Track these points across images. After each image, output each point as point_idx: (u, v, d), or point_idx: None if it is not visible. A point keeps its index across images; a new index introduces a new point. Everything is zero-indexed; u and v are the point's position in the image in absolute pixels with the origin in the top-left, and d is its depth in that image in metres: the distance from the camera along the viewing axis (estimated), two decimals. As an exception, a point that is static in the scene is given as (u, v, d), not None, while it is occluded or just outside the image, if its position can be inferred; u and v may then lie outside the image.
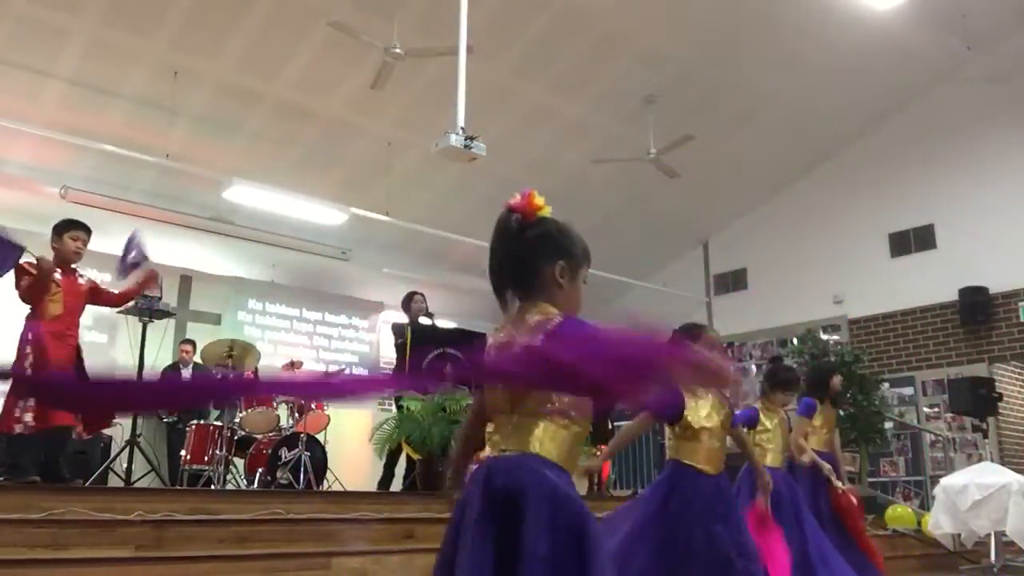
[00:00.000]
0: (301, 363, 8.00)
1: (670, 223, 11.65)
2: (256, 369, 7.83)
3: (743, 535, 3.04)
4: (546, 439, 1.70)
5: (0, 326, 5.01)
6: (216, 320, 9.86)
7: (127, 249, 5.24)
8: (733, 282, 12.26)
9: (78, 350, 4.81)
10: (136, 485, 6.39)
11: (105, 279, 8.57)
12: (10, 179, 8.20)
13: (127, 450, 6.31)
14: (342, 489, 7.17)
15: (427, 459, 6.14)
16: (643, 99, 9.27)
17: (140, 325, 6.48)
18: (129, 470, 6.29)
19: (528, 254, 1.82)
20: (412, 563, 3.79)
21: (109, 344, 8.36)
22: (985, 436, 8.75)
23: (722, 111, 9.69)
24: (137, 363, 6.45)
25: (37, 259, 4.68)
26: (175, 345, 8.47)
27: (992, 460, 7.53)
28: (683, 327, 3.26)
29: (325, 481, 7.09)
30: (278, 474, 6.63)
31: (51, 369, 4.43)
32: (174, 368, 8.17)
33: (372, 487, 6.77)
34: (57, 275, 4.75)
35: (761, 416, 4.25)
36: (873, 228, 10.64)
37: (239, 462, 7.21)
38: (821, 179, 11.26)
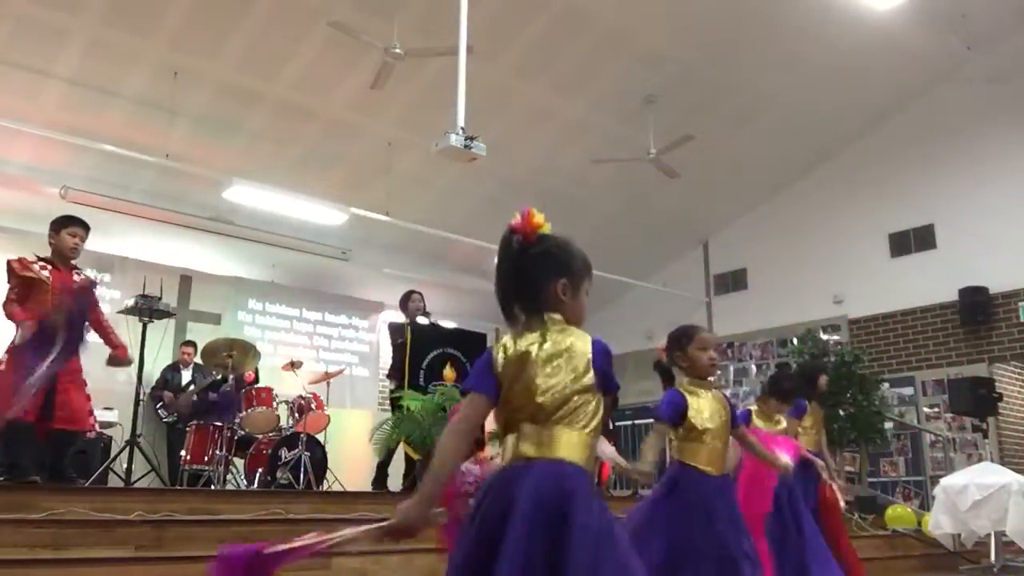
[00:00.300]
0: (301, 363, 8.00)
1: (670, 223, 11.65)
2: (256, 370, 7.85)
3: (747, 537, 3.03)
4: (576, 446, 1.79)
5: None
6: (216, 320, 9.86)
7: None
8: (733, 282, 12.26)
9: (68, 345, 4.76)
10: (136, 485, 6.38)
11: (105, 279, 8.63)
12: (10, 179, 8.20)
13: (127, 450, 6.30)
14: (342, 489, 7.17)
15: (427, 459, 6.14)
16: (643, 99, 9.27)
17: (140, 325, 6.47)
18: (129, 470, 6.28)
19: (531, 273, 1.90)
20: (412, 563, 3.79)
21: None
22: (985, 436, 8.75)
23: (722, 111, 9.69)
24: (137, 363, 6.44)
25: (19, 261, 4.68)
26: (175, 345, 8.47)
27: (992, 460, 7.53)
28: (677, 329, 3.25)
29: (325, 481, 7.09)
30: (278, 474, 6.63)
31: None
32: (174, 368, 8.17)
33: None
34: (46, 273, 4.72)
35: (754, 419, 4.23)
36: (873, 228, 10.64)
37: (239, 462, 7.21)
38: (821, 179, 11.26)
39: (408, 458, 6.53)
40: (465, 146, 5.74)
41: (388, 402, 6.98)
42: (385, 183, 9.30)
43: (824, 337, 10.40)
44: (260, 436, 7.15)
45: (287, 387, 7.79)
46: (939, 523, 6.44)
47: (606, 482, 7.67)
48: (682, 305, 12.02)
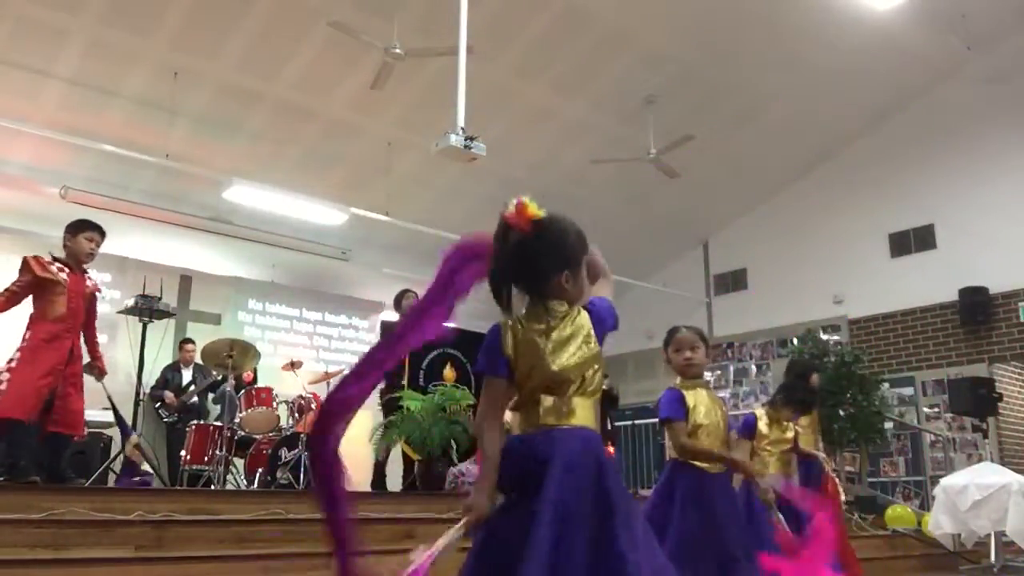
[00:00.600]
0: (301, 363, 7.99)
1: (670, 223, 11.65)
2: (255, 370, 7.84)
3: (746, 535, 3.04)
4: (590, 413, 1.93)
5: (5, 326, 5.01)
6: (216, 320, 9.85)
7: None
8: (733, 282, 12.26)
9: (71, 353, 4.77)
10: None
11: (105, 279, 8.62)
12: (10, 179, 8.21)
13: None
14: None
15: (427, 459, 6.14)
16: (643, 99, 9.27)
17: (140, 325, 6.47)
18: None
19: (532, 266, 1.94)
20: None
21: (109, 344, 8.32)
22: (985, 436, 8.75)
23: (722, 111, 9.69)
24: (137, 363, 6.45)
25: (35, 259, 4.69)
26: (175, 345, 8.46)
27: (992, 460, 7.53)
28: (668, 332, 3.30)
29: (325, 481, 7.07)
30: (278, 474, 6.62)
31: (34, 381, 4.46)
32: (174, 368, 8.16)
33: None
34: (64, 275, 4.76)
35: (761, 425, 4.19)
36: (873, 228, 10.64)
37: (239, 462, 7.20)
38: (821, 179, 11.26)
39: (407, 458, 6.53)
40: (465, 146, 5.74)
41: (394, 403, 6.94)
42: (385, 183, 9.30)
43: (824, 337, 10.39)
44: (260, 436, 7.14)
45: (287, 387, 7.79)
46: (939, 523, 6.43)
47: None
48: (682, 305, 12.02)
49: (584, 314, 1.97)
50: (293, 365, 7.78)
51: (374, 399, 10.50)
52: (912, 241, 10.36)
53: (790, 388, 4.29)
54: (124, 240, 8.95)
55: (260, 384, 7.74)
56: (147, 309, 6.43)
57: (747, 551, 2.93)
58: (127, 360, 7.61)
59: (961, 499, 6.27)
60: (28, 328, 4.65)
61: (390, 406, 6.44)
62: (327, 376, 8.04)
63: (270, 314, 10.50)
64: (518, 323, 1.95)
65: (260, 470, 6.82)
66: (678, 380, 3.23)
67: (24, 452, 4.47)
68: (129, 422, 6.37)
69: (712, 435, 3.13)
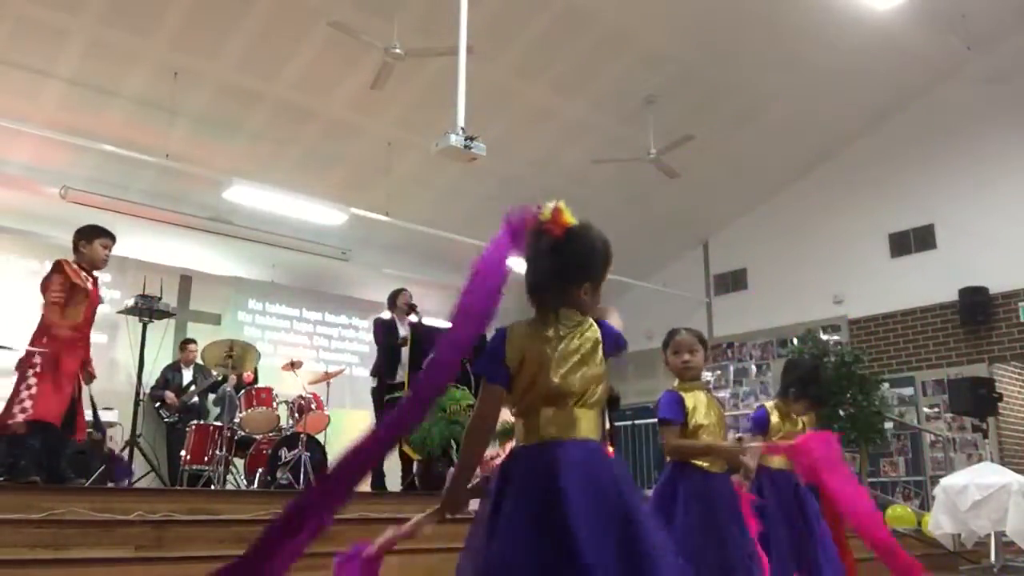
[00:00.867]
0: (301, 363, 8.00)
1: (670, 223, 11.65)
2: (255, 370, 7.84)
3: (747, 536, 3.03)
4: (593, 424, 1.92)
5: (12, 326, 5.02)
6: (216, 320, 9.85)
7: None
8: (733, 282, 12.26)
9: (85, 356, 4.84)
10: (136, 485, 6.39)
11: (105, 279, 8.61)
12: (10, 179, 8.20)
13: (127, 450, 6.31)
14: (342, 489, 7.15)
15: (427, 459, 6.15)
16: (643, 99, 9.27)
17: (140, 325, 6.47)
18: (129, 470, 6.29)
19: (560, 273, 1.95)
20: (412, 563, 3.78)
21: (109, 344, 8.35)
22: (985, 436, 8.75)
23: (722, 111, 9.69)
24: (137, 363, 6.45)
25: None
26: (175, 345, 8.46)
27: (992, 460, 7.52)
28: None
29: (325, 481, 7.07)
30: (278, 474, 6.62)
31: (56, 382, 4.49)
32: (175, 368, 8.17)
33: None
34: (88, 284, 4.78)
35: (774, 418, 4.14)
36: (873, 228, 10.64)
37: (239, 462, 7.21)
38: (821, 179, 11.26)
39: (406, 458, 6.54)
40: (465, 146, 5.74)
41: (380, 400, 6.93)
42: (385, 183, 9.30)
43: (824, 337, 10.39)
44: (260, 436, 7.15)
45: (287, 387, 7.79)
46: (939, 523, 6.43)
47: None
48: (682, 305, 12.03)
49: (595, 327, 1.96)
50: (293, 365, 7.79)
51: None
52: (912, 241, 10.36)
53: (805, 381, 4.22)
54: (124, 240, 8.87)
55: (260, 384, 7.74)
56: (147, 309, 6.43)
57: (750, 554, 2.93)
58: (127, 360, 7.62)
59: (961, 499, 6.27)
60: (43, 333, 4.64)
61: (390, 406, 6.43)
62: (327, 376, 8.05)
63: (270, 314, 10.51)
64: (526, 333, 1.94)
65: (260, 470, 6.82)
66: (676, 382, 3.23)
67: (24, 452, 4.48)
68: (129, 422, 6.40)
69: (712, 435, 3.14)
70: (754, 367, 11.76)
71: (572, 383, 1.89)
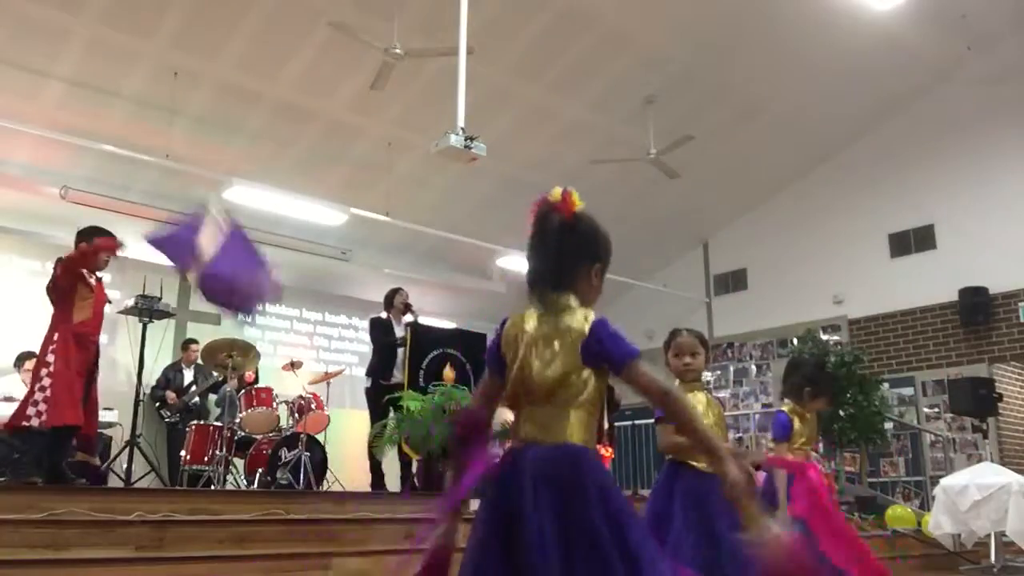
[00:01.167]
0: (301, 363, 8.00)
1: (670, 223, 11.65)
2: (256, 370, 7.84)
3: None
4: (578, 427, 1.79)
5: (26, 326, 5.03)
6: (216, 320, 9.82)
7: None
8: (733, 282, 12.26)
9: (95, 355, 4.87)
10: (136, 485, 6.38)
11: (105, 279, 8.60)
12: (10, 179, 8.20)
13: (127, 450, 6.31)
14: (342, 489, 7.16)
15: (427, 459, 6.14)
16: (643, 99, 9.27)
17: (140, 325, 6.47)
18: (129, 470, 6.29)
19: (569, 254, 1.88)
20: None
21: (109, 344, 8.32)
22: (985, 436, 8.74)
23: (722, 111, 9.69)
24: (137, 363, 6.45)
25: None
26: (175, 345, 8.46)
27: (992, 460, 7.53)
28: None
29: (325, 481, 7.09)
30: (278, 474, 6.62)
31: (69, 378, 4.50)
32: (175, 368, 8.17)
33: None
34: (93, 280, 4.80)
35: (797, 425, 4.09)
36: (873, 228, 10.64)
37: (239, 462, 7.21)
38: (821, 179, 11.26)
39: (406, 458, 6.53)
40: (465, 146, 5.74)
41: (380, 401, 6.91)
42: (385, 183, 9.30)
43: (824, 337, 10.40)
44: (260, 436, 7.14)
45: (287, 387, 7.79)
46: (939, 523, 6.43)
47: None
48: (682, 305, 12.03)
49: (586, 320, 1.81)
50: (293, 365, 7.79)
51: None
52: (912, 241, 10.36)
53: (817, 378, 4.17)
54: (124, 240, 8.95)
55: (260, 384, 7.74)
56: (147, 309, 6.43)
57: (748, 556, 2.93)
58: (127, 360, 7.61)
59: (961, 499, 6.27)
60: (55, 330, 4.68)
61: (390, 406, 6.43)
62: (327, 376, 8.05)
63: (270, 314, 10.49)
64: (520, 318, 1.88)
65: (260, 470, 6.82)
66: (676, 383, 3.23)
67: (26, 452, 4.49)
68: (130, 422, 6.40)
69: None
70: (754, 367, 11.76)
71: (544, 375, 1.79)
